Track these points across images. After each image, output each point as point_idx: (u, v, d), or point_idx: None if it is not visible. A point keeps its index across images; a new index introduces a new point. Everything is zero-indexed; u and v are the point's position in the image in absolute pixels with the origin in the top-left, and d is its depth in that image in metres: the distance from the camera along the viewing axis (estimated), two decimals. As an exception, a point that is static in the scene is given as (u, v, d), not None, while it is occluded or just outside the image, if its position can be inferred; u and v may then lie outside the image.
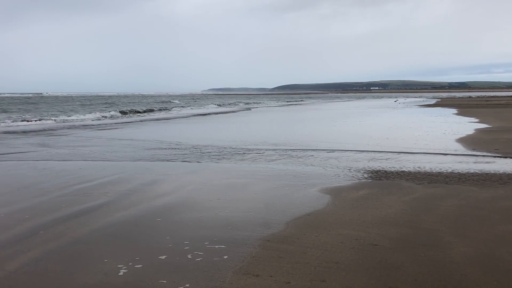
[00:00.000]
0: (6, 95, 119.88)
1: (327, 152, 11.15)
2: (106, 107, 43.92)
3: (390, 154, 10.75)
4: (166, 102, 58.80)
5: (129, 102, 59.73)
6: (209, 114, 34.03)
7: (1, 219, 5.73)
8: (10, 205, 6.36)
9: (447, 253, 4.40)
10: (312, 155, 10.69)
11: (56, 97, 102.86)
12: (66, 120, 26.85)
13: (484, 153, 10.71)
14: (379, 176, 8.13)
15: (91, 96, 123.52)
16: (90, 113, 32.64)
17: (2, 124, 22.67)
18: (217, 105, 52.03)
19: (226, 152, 11.40)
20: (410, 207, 6.09)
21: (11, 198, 6.83)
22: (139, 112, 35.87)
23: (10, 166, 9.85)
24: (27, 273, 4.05)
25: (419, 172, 8.43)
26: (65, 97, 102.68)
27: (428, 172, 8.46)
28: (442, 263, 4.18)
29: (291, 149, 11.77)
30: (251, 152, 11.43)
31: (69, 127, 21.26)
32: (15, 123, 23.67)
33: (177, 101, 44.01)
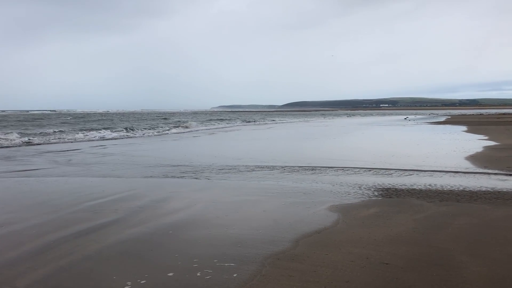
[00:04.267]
0: (19, 112, 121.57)
1: (337, 169, 11.11)
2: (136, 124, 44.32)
3: (400, 171, 10.68)
4: (183, 121, 58.91)
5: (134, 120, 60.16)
6: (215, 129, 34.16)
7: (13, 235, 5.77)
8: (23, 222, 6.41)
9: (460, 273, 4.34)
10: (321, 172, 10.66)
11: (80, 113, 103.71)
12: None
13: (496, 171, 10.60)
14: (390, 194, 8.08)
15: (109, 113, 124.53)
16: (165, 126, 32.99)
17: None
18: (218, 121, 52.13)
19: (235, 169, 11.42)
20: (422, 225, 6.03)
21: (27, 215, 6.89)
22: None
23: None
24: (38, 290, 4.06)
25: (430, 190, 8.36)
26: (87, 114, 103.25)
27: (439, 190, 8.39)
28: (455, 283, 4.12)
29: (300, 166, 11.75)
30: (260, 169, 11.43)
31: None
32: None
33: (193, 122, 44.32)
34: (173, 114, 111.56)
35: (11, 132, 27.75)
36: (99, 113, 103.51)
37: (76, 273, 4.45)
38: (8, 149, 19.12)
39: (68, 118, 63.96)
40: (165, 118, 63.65)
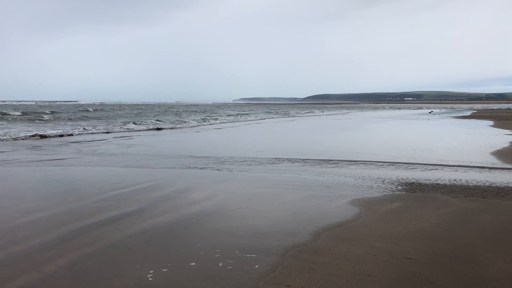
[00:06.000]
0: (44, 103, 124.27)
1: (359, 163, 11.01)
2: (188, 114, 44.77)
3: (424, 166, 10.52)
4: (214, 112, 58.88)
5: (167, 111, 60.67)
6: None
7: (40, 222, 5.91)
8: (49, 209, 6.57)
9: (485, 269, 4.26)
10: (343, 166, 10.59)
11: (106, 105, 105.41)
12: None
13: (524, 167, 10.34)
14: (413, 189, 7.97)
15: (133, 104, 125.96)
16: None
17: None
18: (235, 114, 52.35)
19: (257, 162, 11.43)
20: (446, 221, 5.93)
21: (52, 203, 7.05)
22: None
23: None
24: (64, 276, 4.16)
25: (454, 185, 8.21)
26: (115, 105, 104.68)
27: (464, 185, 8.23)
28: (480, 279, 4.05)
29: (322, 159, 11.69)
30: (282, 161, 11.42)
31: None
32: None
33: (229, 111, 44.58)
34: (195, 106, 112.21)
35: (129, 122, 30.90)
36: (126, 105, 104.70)
37: (100, 261, 4.54)
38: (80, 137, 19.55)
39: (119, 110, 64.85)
40: (194, 111, 64.03)
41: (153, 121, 34.30)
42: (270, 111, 67.16)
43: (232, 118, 44.15)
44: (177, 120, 37.48)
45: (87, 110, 56.40)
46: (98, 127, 26.99)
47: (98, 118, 38.83)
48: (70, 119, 36.90)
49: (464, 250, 4.80)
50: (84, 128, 25.88)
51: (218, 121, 37.59)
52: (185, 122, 35.32)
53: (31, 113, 45.11)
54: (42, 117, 39.01)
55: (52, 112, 47.32)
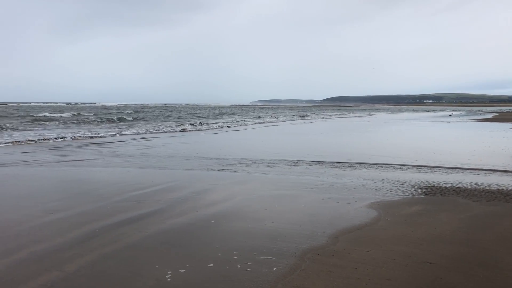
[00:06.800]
0: (61, 104, 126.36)
1: (378, 166, 10.91)
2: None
3: (445, 169, 10.37)
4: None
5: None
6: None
7: (61, 222, 6.01)
8: (69, 209, 6.68)
9: (508, 275, 4.17)
10: (362, 169, 10.50)
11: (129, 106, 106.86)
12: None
13: (548, 171, 10.10)
14: (434, 192, 7.86)
15: (158, 106, 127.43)
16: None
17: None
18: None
19: (274, 164, 11.42)
20: (467, 225, 5.83)
21: (72, 203, 7.16)
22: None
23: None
24: (84, 275, 4.22)
25: (476, 189, 8.07)
26: (139, 107, 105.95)
27: (486, 189, 8.08)
28: (502, 285, 3.96)
29: (340, 162, 11.61)
30: (300, 164, 11.38)
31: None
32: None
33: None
34: (213, 108, 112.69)
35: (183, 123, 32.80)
36: (150, 107, 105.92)
37: (119, 261, 4.59)
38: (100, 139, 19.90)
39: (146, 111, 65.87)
40: (224, 113, 64.37)
41: (204, 121, 36.70)
42: (288, 113, 67.01)
43: (260, 120, 44.77)
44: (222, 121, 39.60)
45: (127, 113, 57.02)
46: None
47: (149, 120, 41.16)
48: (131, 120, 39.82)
49: (486, 255, 4.71)
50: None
51: (250, 123, 38.19)
52: (242, 123, 37.05)
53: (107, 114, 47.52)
54: (126, 118, 42.01)
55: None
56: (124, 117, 43.10)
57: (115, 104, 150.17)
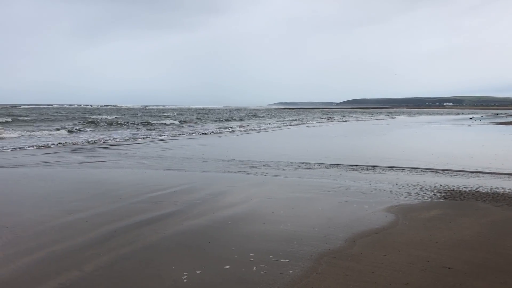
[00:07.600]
0: (78, 106, 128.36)
1: (397, 169, 10.79)
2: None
3: (464, 173, 10.20)
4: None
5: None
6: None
7: (80, 222, 6.10)
8: (88, 210, 6.77)
9: (530, 282, 4.08)
10: (380, 172, 10.40)
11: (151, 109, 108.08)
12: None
13: None
14: (453, 196, 7.73)
15: (182, 108, 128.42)
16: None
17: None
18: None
19: (291, 166, 11.39)
20: (487, 230, 5.72)
21: (90, 204, 7.26)
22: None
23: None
24: (102, 275, 4.27)
25: (497, 193, 7.92)
26: (163, 109, 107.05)
27: (507, 193, 7.92)
28: (524, 292, 3.88)
29: (358, 165, 11.53)
30: (317, 167, 11.34)
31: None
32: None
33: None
34: (230, 110, 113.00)
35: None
36: (172, 109, 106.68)
37: (136, 262, 4.63)
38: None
39: (174, 113, 66.49)
40: (253, 115, 64.61)
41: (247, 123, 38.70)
42: (304, 115, 66.76)
43: (268, 122, 44.70)
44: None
45: (172, 116, 57.36)
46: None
47: (196, 122, 43.26)
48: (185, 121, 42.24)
49: (508, 261, 4.62)
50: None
51: (251, 126, 38.04)
52: (224, 126, 36.75)
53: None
54: (194, 121, 44.79)
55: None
56: (172, 121, 42.17)
57: (138, 106, 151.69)
